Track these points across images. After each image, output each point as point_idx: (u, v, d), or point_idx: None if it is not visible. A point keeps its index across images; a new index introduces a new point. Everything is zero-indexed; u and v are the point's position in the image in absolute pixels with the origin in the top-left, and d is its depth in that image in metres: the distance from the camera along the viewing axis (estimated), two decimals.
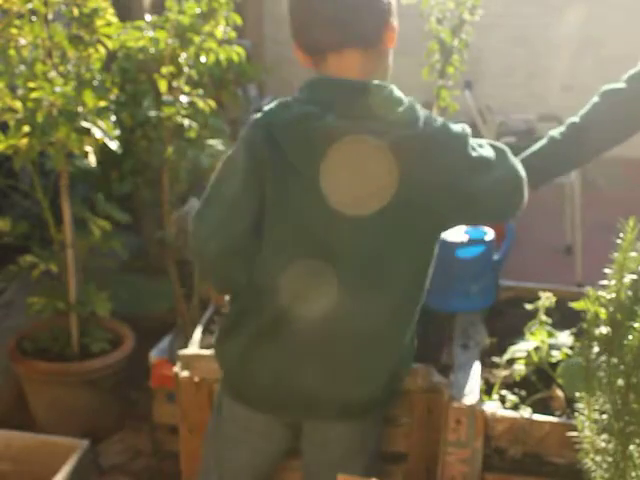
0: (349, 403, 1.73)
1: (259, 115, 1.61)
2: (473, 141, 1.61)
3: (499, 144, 1.67)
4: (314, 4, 1.53)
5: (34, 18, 2.44)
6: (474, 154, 1.58)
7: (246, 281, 1.67)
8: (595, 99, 2.17)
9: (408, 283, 1.68)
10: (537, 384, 2.01)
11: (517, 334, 2.17)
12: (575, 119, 2.16)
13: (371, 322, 1.66)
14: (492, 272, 2.20)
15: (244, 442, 1.82)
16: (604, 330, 1.25)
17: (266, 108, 1.61)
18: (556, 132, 2.19)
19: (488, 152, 1.62)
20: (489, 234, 2.15)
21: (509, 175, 1.65)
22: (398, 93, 1.57)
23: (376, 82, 1.55)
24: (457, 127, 1.60)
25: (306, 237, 1.59)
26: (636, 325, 1.20)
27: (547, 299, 2.10)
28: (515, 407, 1.93)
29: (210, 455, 1.90)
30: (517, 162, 1.68)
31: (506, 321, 2.35)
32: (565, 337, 2.08)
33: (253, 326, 1.67)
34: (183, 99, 2.71)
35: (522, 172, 1.67)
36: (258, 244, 1.62)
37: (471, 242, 2.12)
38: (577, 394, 1.32)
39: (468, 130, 1.61)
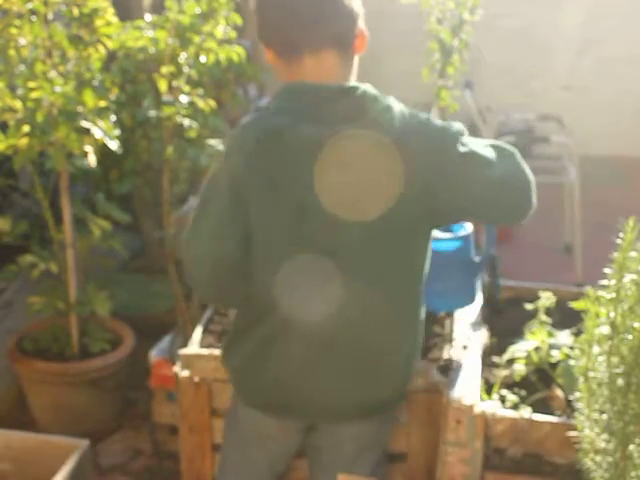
0: (361, 405, 1.73)
1: (236, 131, 1.60)
2: (471, 139, 1.59)
3: (509, 146, 1.63)
4: (291, 3, 1.51)
5: (34, 18, 2.44)
6: (463, 149, 1.54)
7: (245, 294, 1.66)
8: None
9: (408, 282, 1.68)
10: (537, 384, 2.01)
11: (517, 334, 2.17)
12: None
13: (376, 324, 1.65)
14: (468, 271, 2.09)
15: (259, 444, 1.83)
16: (604, 330, 1.25)
17: (243, 121, 1.59)
18: None
19: (486, 150, 1.58)
20: (465, 230, 2.06)
21: (514, 176, 1.60)
22: (373, 92, 1.54)
23: (350, 84, 1.53)
24: (444, 123, 1.58)
25: (295, 250, 1.58)
26: (636, 325, 1.20)
27: (547, 299, 2.10)
28: (515, 407, 1.93)
29: (228, 452, 1.90)
30: (526, 166, 1.64)
31: (506, 321, 2.35)
32: (565, 337, 2.08)
33: (258, 335, 1.66)
34: (183, 99, 2.70)
35: (531, 176, 1.63)
36: (251, 258, 1.62)
37: (446, 237, 2.05)
38: (577, 394, 1.32)
39: (460, 128, 1.58)
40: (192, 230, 1.63)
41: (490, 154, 1.58)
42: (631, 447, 1.25)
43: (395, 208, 1.54)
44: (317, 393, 1.68)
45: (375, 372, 1.70)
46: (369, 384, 1.70)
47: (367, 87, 1.54)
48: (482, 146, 1.59)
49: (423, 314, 1.78)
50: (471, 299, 2.13)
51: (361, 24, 1.57)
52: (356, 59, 1.59)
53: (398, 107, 1.55)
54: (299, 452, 1.91)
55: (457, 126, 1.58)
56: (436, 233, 2.00)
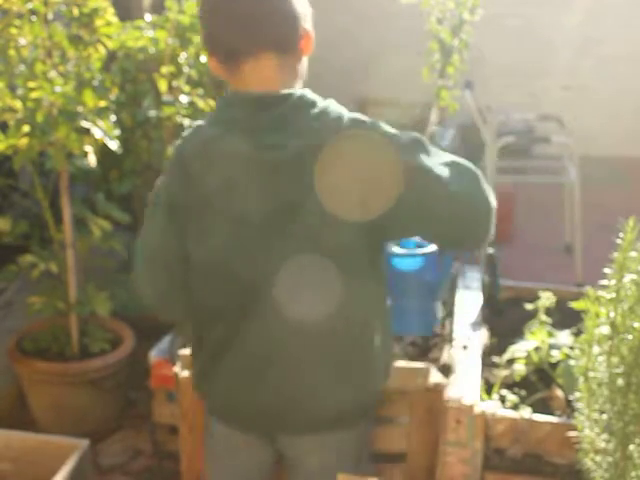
0: (312, 417, 1.64)
1: (176, 144, 1.59)
2: (428, 153, 1.48)
3: (473, 167, 1.51)
4: (227, 8, 1.47)
5: (34, 18, 2.44)
6: (410, 160, 1.44)
7: (189, 309, 1.64)
8: None
9: (358, 291, 1.56)
10: (537, 384, 2.01)
11: (517, 334, 2.17)
12: None
13: (319, 336, 1.56)
14: (426, 293, 1.92)
15: (232, 456, 1.78)
16: (604, 330, 1.25)
17: (184, 134, 1.58)
18: None
19: (441, 166, 1.46)
20: (426, 248, 1.89)
21: (470, 196, 1.47)
22: (308, 98, 1.49)
23: (285, 91, 1.48)
24: (393, 132, 1.49)
25: (227, 269, 1.54)
26: (636, 325, 1.20)
27: (547, 299, 2.10)
28: (515, 407, 1.93)
29: (207, 465, 1.87)
30: (489, 189, 1.51)
31: (506, 321, 2.35)
32: (565, 337, 2.08)
33: (207, 348, 1.64)
34: (183, 99, 2.71)
35: (492, 202, 1.50)
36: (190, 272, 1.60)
37: (402, 253, 1.89)
38: (577, 394, 1.32)
39: (413, 138, 1.48)
40: (139, 240, 1.67)
41: (444, 170, 1.46)
42: (631, 447, 1.25)
43: (328, 219, 1.45)
44: (266, 406, 1.61)
45: (320, 384, 1.59)
46: (314, 395, 1.60)
47: (304, 92, 1.49)
48: (438, 161, 1.48)
49: (388, 323, 1.68)
50: (425, 326, 1.98)
51: (307, 24, 1.52)
52: (304, 60, 1.55)
53: (336, 112, 1.48)
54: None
55: (409, 136, 1.49)
56: (394, 248, 1.91)
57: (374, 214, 1.45)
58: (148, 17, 2.95)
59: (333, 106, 1.50)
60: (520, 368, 2.02)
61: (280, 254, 1.49)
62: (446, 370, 2.06)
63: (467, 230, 1.51)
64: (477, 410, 1.87)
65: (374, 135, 1.47)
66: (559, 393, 1.95)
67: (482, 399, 1.94)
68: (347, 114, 1.50)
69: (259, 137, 1.45)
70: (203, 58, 2.74)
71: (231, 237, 1.52)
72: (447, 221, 1.47)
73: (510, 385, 2.02)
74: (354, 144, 1.45)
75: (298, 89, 1.50)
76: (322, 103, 1.49)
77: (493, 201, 1.52)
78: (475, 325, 2.24)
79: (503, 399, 1.96)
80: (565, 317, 2.22)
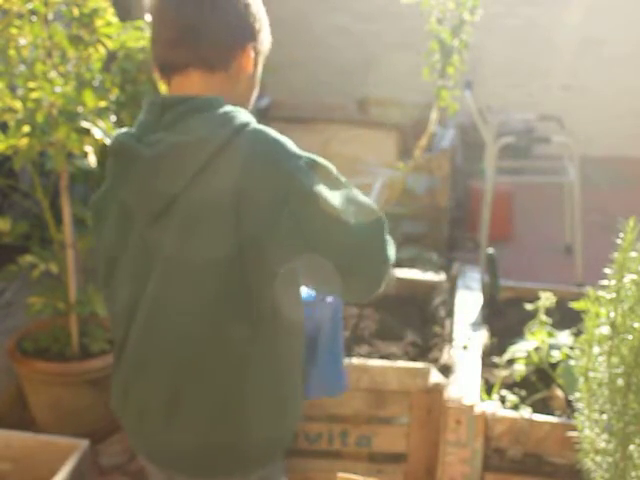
0: (174, 453, 1.49)
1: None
2: (327, 177, 1.36)
3: (378, 214, 1.39)
4: (160, 23, 1.48)
5: (34, 18, 2.44)
6: (303, 179, 1.33)
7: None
8: None
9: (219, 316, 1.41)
10: (537, 384, 2.01)
11: (517, 334, 2.17)
12: None
13: (195, 365, 1.43)
14: (323, 349, 1.64)
15: None
16: (604, 330, 1.25)
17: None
18: None
19: (337, 194, 1.35)
20: (328, 298, 1.63)
21: (367, 237, 1.37)
22: (214, 101, 1.41)
23: (190, 94, 1.44)
24: (295, 152, 1.37)
25: (114, 264, 1.56)
26: (636, 325, 1.20)
27: (547, 299, 2.10)
28: (515, 407, 1.93)
29: None
30: (389, 242, 1.41)
31: (506, 321, 2.35)
32: (565, 337, 2.08)
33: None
34: None
35: (391, 254, 1.40)
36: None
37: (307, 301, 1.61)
38: (577, 394, 1.32)
39: (307, 159, 1.36)
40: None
41: (342, 202, 1.35)
42: (631, 447, 1.25)
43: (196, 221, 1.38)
44: (151, 441, 1.51)
45: (171, 413, 1.45)
46: (166, 425, 1.46)
47: (212, 97, 1.43)
48: (337, 193, 1.36)
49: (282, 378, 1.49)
50: (332, 390, 1.70)
51: (250, 42, 1.47)
52: (244, 79, 1.49)
53: (241, 119, 1.39)
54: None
55: (315, 160, 1.37)
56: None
57: (248, 227, 1.34)
58: (148, 17, 2.95)
59: (243, 116, 1.40)
60: (520, 368, 2.02)
61: (157, 252, 1.43)
62: (446, 370, 2.06)
63: (356, 279, 1.38)
64: (477, 410, 1.87)
65: (268, 146, 1.37)
66: (559, 393, 1.95)
67: (482, 399, 1.94)
68: (257, 126, 1.39)
69: (148, 136, 1.43)
70: None
71: (119, 232, 1.52)
72: (335, 253, 1.34)
73: (510, 385, 2.02)
74: (237, 156, 1.36)
75: (201, 95, 1.44)
76: (229, 109, 1.40)
77: (392, 254, 1.41)
78: (475, 325, 2.24)
79: (503, 399, 1.96)
80: (565, 317, 2.22)
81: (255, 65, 1.50)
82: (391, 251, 1.41)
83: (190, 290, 1.40)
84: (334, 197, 1.34)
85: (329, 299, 1.63)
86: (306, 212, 1.33)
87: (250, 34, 1.47)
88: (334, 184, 1.37)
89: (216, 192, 1.36)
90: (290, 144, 1.38)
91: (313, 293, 1.60)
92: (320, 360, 1.65)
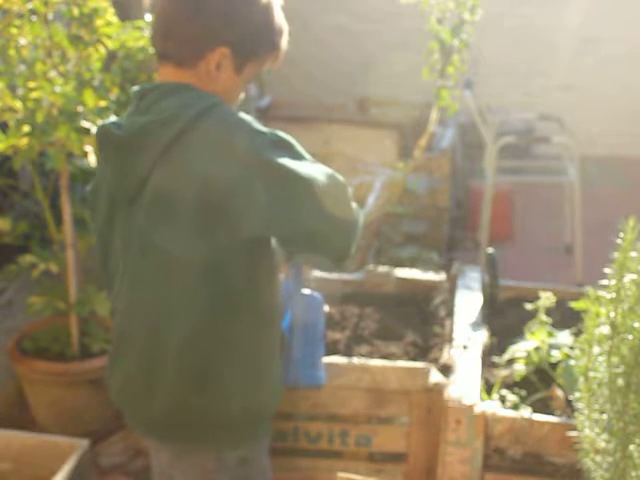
0: (145, 417, 1.60)
1: None
2: (290, 151, 1.45)
3: (341, 179, 1.49)
4: (155, 17, 1.57)
5: (34, 18, 2.44)
6: (270, 155, 1.40)
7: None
8: None
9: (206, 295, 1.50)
10: (537, 384, 2.01)
11: (517, 334, 2.17)
12: None
13: (169, 333, 1.52)
14: (299, 337, 1.77)
15: (153, 456, 1.74)
16: (604, 330, 1.25)
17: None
18: None
19: (304, 164, 1.44)
20: (305, 290, 1.72)
21: (333, 203, 1.44)
22: (185, 86, 1.49)
23: (164, 81, 1.53)
24: (262, 130, 1.44)
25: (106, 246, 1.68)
26: (636, 325, 1.20)
27: (547, 299, 2.10)
28: (515, 407, 1.93)
29: None
30: (355, 205, 1.51)
31: (506, 321, 2.35)
32: (565, 337, 2.08)
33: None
34: None
35: (359, 217, 1.50)
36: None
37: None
38: (577, 394, 1.32)
39: (283, 137, 1.45)
40: None
41: (311, 171, 1.44)
42: (631, 447, 1.25)
43: (172, 210, 1.45)
44: (134, 406, 1.63)
45: (145, 379, 1.55)
46: (141, 390, 1.57)
47: (185, 83, 1.50)
48: (304, 163, 1.45)
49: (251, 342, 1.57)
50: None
51: (223, 47, 1.50)
52: (218, 78, 1.52)
53: (210, 100, 1.46)
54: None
55: (278, 136, 1.46)
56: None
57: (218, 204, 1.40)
58: (148, 17, 2.95)
59: (210, 99, 1.47)
60: (520, 368, 2.02)
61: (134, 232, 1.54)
62: (446, 370, 2.06)
63: (325, 242, 1.47)
64: (477, 410, 1.87)
65: (233, 126, 1.43)
66: (559, 393, 1.95)
67: (482, 399, 1.94)
68: (222, 107, 1.47)
69: (126, 121, 1.53)
70: None
71: (107, 216, 1.61)
72: (307, 217, 1.42)
73: (510, 385, 2.02)
74: (206, 129, 1.43)
75: (179, 82, 1.51)
76: (197, 93, 1.48)
77: (360, 216, 1.50)
78: (475, 325, 2.24)
79: (503, 399, 1.96)
80: (565, 317, 2.22)
81: (238, 68, 1.54)
82: (358, 213, 1.50)
83: (163, 268, 1.49)
84: (300, 166, 1.42)
85: (306, 291, 1.75)
86: (276, 183, 1.40)
87: (229, 39, 1.50)
88: (298, 156, 1.45)
89: (182, 173, 1.43)
90: (255, 123, 1.45)
91: (290, 285, 1.69)
92: (296, 348, 1.80)
